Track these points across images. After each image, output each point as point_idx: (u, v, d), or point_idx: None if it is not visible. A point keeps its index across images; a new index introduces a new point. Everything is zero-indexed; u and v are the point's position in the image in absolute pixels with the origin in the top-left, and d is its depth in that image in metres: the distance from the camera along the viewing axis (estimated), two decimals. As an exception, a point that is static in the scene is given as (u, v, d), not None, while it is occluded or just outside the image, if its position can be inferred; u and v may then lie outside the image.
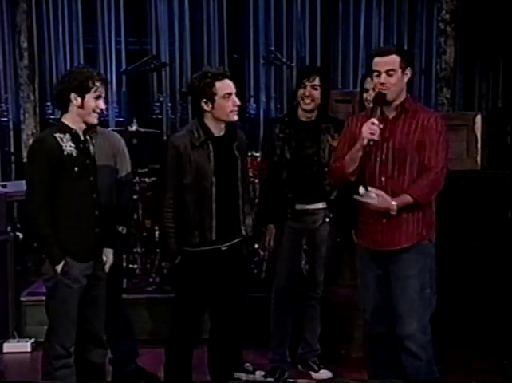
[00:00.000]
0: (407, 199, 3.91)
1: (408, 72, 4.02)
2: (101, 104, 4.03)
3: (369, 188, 3.90)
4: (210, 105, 4.23)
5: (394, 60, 3.96)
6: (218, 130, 4.29)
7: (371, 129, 3.87)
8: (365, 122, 3.96)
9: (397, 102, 4.00)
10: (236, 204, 4.35)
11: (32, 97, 7.16)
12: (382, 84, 3.95)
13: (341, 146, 4.13)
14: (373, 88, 4.51)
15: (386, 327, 4.07)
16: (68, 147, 3.96)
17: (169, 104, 7.40)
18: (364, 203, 3.92)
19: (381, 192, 3.90)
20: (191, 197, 4.26)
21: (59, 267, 3.93)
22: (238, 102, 4.30)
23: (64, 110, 4.04)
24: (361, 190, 3.91)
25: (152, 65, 6.75)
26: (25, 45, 7.11)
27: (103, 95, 4.04)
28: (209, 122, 4.28)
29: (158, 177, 5.85)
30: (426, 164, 3.95)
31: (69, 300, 3.98)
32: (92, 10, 7.34)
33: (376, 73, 3.99)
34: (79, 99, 3.97)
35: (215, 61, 7.33)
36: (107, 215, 4.22)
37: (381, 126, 3.90)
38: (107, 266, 4.24)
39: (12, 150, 7.27)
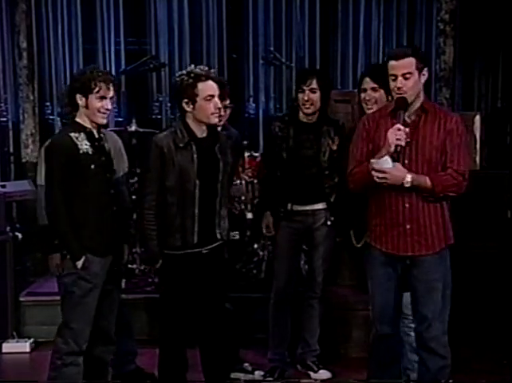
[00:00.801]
0: (426, 180, 3.84)
1: (426, 72, 3.93)
2: (106, 104, 4.07)
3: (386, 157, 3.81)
4: (191, 106, 4.16)
5: (410, 62, 3.86)
6: (200, 131, 4.22)
7: (397, 135, 3.79)
8: (381, 122, 3.93)
9: (417, 104, 3.93)
10: (215, 207, 4.26)
11: (31, 97, 7.13)
12: (399, 88, 3.86)
13: (359, 149, 4.00)
14: (370, 90, 4.53)
15: (392, 328, 4.08)
16: (84, 145, 4.04)
17: (168, 104, 7.38)
18: (378, 174, 3.80)
19: (398, 164, 3.82)
20: (173, 199, 4.17)
21: (80, 263, 4.00)
22: (220, 105, 4.22)
23: (75, 110, 4.12)
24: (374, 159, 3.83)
25: (151, 65, 6.76)
26: (24, 45, 7.08)
27: (108, 96, 4.08)
28: (191, 123, 4.20)
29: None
30: (449, 167, 3.90)
31: (88, 296, 4.04)
32: (92, 10, 7.33)
33: (392, 77, 3.88)
34: (83, 99, 4.07)
35: (214, 61, 7.33)
36: None
37: (407, 130, 3.83)
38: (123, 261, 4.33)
39: (11, 150, 7.26)
